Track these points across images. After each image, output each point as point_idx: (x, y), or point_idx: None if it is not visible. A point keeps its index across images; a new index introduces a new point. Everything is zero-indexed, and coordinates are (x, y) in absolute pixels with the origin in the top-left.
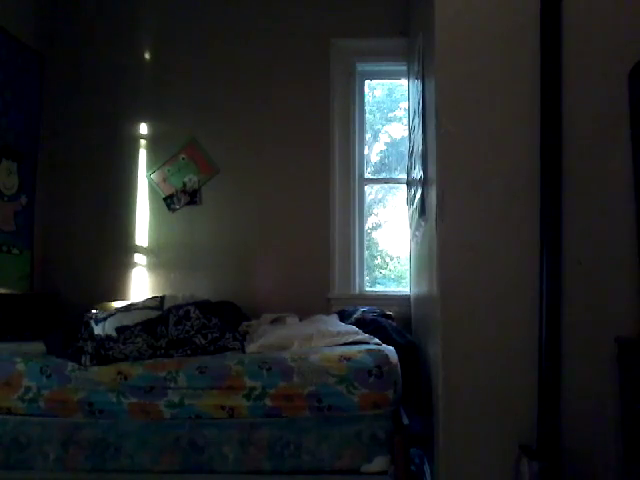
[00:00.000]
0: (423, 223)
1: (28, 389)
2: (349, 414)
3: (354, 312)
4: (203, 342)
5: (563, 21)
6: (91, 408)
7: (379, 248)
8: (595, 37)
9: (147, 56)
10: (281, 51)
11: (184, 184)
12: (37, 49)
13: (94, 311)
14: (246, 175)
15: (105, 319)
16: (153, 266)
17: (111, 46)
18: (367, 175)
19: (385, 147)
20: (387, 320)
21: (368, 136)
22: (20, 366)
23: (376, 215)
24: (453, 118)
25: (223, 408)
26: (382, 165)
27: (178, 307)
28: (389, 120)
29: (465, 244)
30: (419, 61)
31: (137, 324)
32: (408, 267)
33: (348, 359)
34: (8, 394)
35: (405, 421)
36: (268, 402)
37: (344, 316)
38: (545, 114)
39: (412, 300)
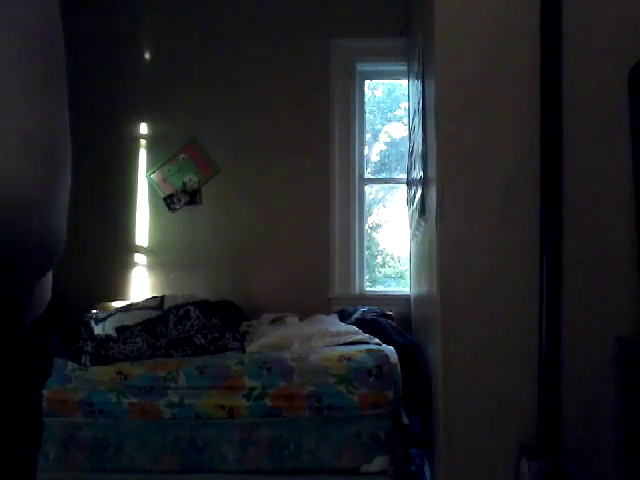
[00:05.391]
0: (423, 223)
1: None
2: (349, 414)
3: (354, 312)
4: (203, 342)
5: (563, 21)
6: (91, 408)
7: (379, 248)
8: (595, 37)
9: (147, 56)
10: (281, 51)
11: (184, 184)
12: None
13: (94, 311)
14: (246, 175)
15: (105, 319)
16: (153, 266)
17: (111, 46)
18: (367, 175)
19: (385, 147)
20: (387, 320)
21: (368, 136)
22: None
23: (376, 215)
24: (453, 118)
25: (223, 408)
26: (382, 165)
27: (178, 307)
28: (389, 120)
29: (465, 244)
30: (419, 61)
31: (137, 324)
32: (408, 267)
33: (348, 359)
34: None
35: (405, 421)
36: (268, 402)
37: (344, 316)
38: (545, 114)
39: (412, 300)
